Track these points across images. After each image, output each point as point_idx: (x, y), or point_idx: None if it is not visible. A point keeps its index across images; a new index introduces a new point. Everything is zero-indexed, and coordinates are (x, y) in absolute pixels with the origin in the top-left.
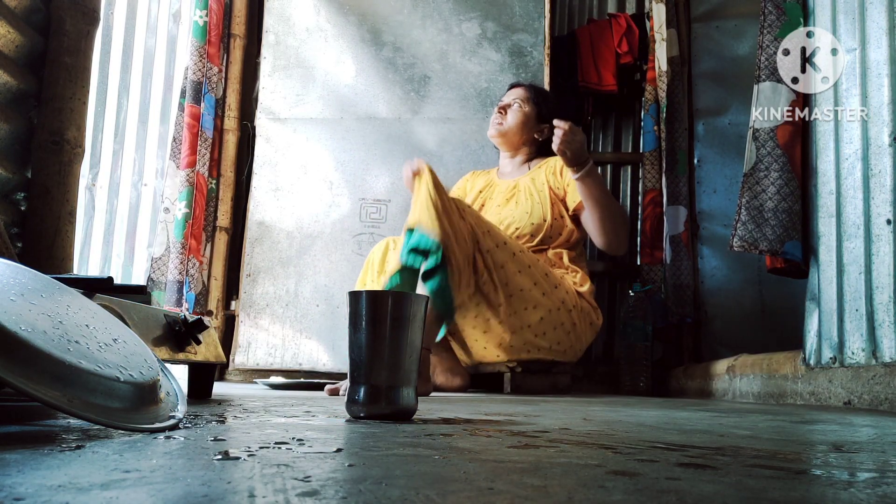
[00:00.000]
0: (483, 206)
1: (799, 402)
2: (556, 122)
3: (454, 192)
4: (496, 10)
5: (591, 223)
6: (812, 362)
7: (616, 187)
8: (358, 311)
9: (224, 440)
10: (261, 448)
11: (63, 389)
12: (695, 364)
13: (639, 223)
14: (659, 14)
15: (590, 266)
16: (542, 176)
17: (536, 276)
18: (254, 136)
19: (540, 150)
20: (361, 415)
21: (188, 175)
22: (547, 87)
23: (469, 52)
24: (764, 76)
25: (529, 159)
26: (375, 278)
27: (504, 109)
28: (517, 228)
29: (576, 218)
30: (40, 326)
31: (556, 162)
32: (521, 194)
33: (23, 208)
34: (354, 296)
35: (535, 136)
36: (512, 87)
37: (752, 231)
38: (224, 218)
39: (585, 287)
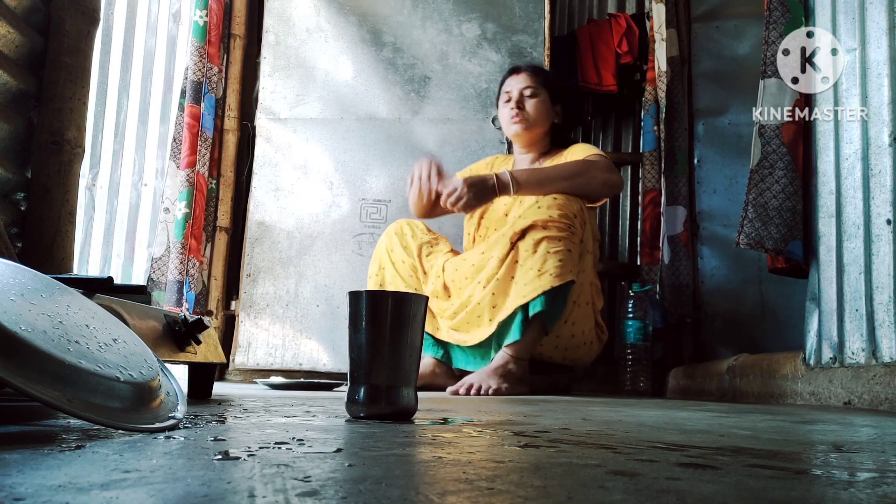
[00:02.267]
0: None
1: (799, 402)
2: (443, 191)
3: (469, 171)
4: (496, 11)
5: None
6: (812, 362)
7: None
8: (358, 311)
9: (224, 440)
10: (261, 448)
11: (63, 389)
12: (695, 364)
13: (639, 223)
14: (659, 14)
15: None
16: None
17: (587, 294)
18: (254, 136)
19: (554, 137)
20: (361, 415)
21: (188, 175)
22: None
23: (469, 52)
24: (770, 72)
25: (545, 151)
26: (394, 268)
27: (521, 103)
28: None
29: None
30: (40, 326)
31: (568, 154)
32: None
33: (23, 208)
34: (354, 296)
35: (554, 120)
36: (513, 73)
37: (759, 229)
38: (224, 218)
39: (599, 303)
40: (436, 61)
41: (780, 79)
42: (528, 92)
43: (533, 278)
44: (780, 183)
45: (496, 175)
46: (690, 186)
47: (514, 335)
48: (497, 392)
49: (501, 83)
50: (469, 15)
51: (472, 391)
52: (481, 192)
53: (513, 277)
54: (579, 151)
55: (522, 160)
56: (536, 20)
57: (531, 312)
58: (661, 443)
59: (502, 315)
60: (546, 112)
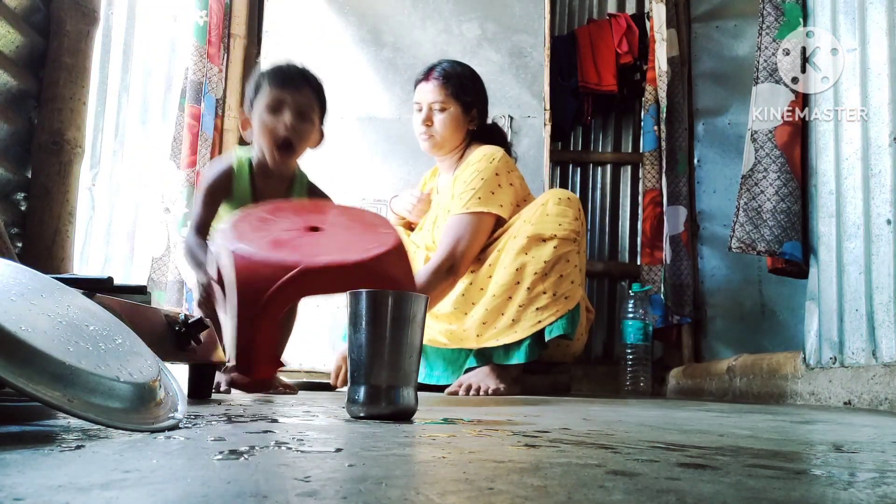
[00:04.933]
0: (438, 211)
1: (799, 402)
2: None
3: (418, 189)
4: (496, 12)
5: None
6: (812, 362)
7: (616, 187)
8: (358, 311)
9: (224, 440)
10: (261, 448)
11: (63, 389)
12: (695, 364)
13: (639, 223)
14: (659, 14)
15: (589, 266)
16: (453, 186)
17: None
18: None
19: (473, 138)
20: (361, 415)
21: (188, 175)
22: (546, 87)
23: (469, 52)
24: (762, 78)
25: (461, 155)
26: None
27: (429, 118)
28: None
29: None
30: (40, 326)
31: (467, 160)
32: (442, 210)
33: (23, 208)
34: (354, 296)
35: (469, 128)
36: (424, 79)
37: (750, 232)
38: None
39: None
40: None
41: (772, 83)
42: (437, 106)
43: (549, 302)
44: (774, 185)
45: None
46: (690, 186)
47: (519, 357)
48: (496, 392)
49: (415, 85)
50: (469, 15)
51: (472, 392)
52: None
53: (511, 297)
54: (473, 159)
55: (442, 166)
56: (536, 20)
57: (549, 335)
58: (661, 443)
59: (504, 338)
60: (457, 125)
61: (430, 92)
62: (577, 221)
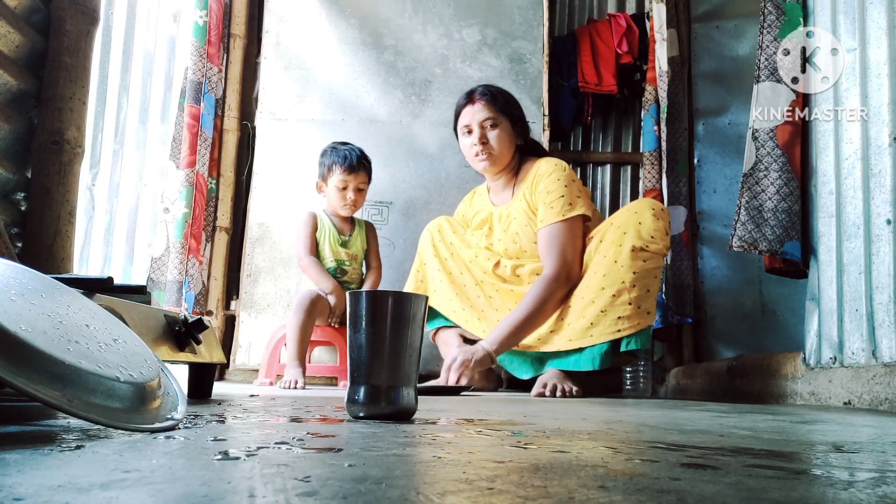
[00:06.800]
0: (491, 231)
1: (799, 402)
2: (444, 371)
3: (457, 218)
4: (496, 18)
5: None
6: (812, 362)
7: (616, 187)
8: (358, 311)
9: (224, 440)
10: (261, 448)
11: (63, 389)
12: (695, 364)
13: None
14: (659, 14)
15: None
16: (524, 199)
17: None
18: (254, 136)
19: (520, 157)
20: (361, 415)
21: (188, 175)
22: (545, 94)
23: (469, 57)
24: (763, 76)
25: (514, 174)
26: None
27: (483, 136)
28: (524, 254)
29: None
30: (40, 326)
31: (534, 176)
32: (515, 222)
33: (23, 208)
34: (354, 296)
35: (518, 142)
36: (468, 102)
37: (752, 231)
38: (224, 218)
39: None
40: (436, 65)
41: (773, 82)
42: (488, 123)
43: (631, 314)
44: (775, 185)
45: (475, 360)
46: (690, 186)
47: (594, 364)
48: (577, 394)
49: (457, 113)
50: (469, 20)
51: (558, 393)
52: (474, 366)
53: (593, 301)
54: (544, 171)
55: (496, 186)
56: (535, 27)
57: (626, 347)
58: (661, 443)
59: (579, 341)
60: (510, 139)
61: (479, 111)
62: (668, 236)
